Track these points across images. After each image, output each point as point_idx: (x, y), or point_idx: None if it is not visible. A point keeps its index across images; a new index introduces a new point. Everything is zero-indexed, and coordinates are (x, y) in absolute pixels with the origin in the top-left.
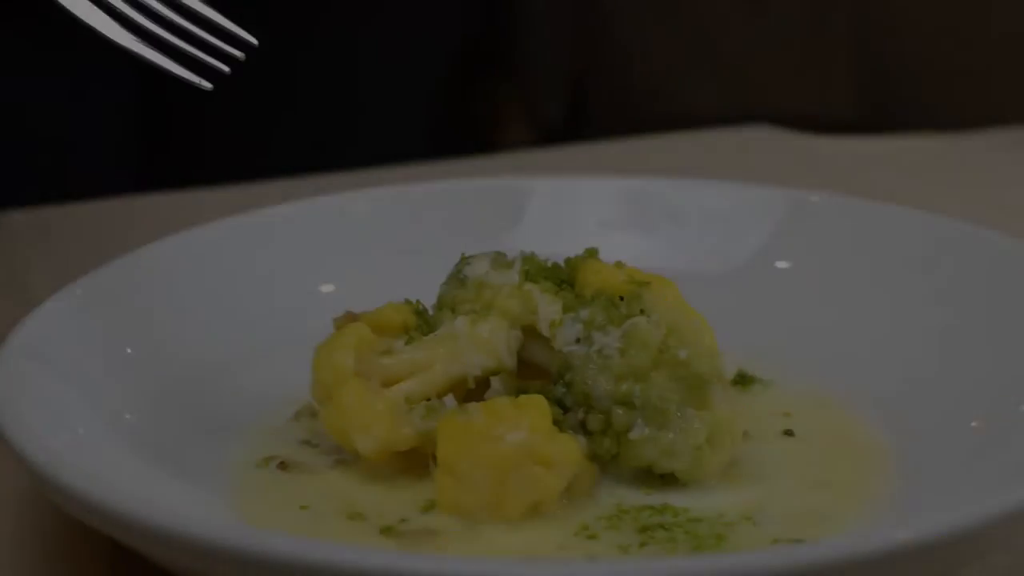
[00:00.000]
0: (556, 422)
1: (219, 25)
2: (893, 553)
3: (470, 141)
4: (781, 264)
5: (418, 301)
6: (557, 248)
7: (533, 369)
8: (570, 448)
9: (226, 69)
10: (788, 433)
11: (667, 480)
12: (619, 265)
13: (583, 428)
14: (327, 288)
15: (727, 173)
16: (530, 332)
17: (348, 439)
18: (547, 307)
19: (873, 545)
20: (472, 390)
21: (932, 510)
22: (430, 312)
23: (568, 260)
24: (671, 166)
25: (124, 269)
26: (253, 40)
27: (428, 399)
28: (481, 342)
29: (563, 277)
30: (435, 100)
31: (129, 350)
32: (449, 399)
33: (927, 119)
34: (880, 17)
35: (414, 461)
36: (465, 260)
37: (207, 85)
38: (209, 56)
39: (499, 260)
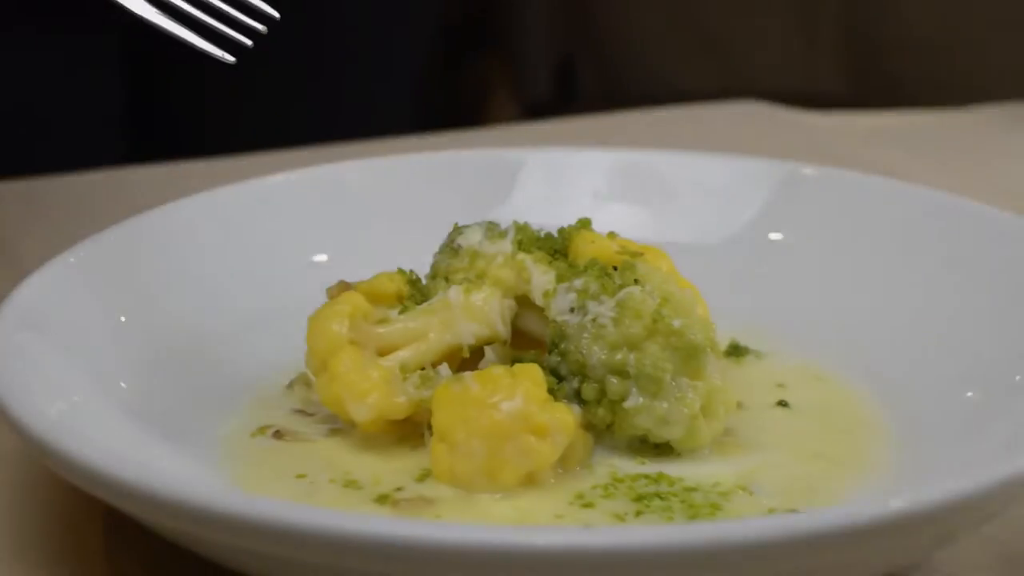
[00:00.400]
0: (551, 391)
1: None
2: (888, 522)
3: (458, 116)
4: (774, 236)
5: (411, 271)
6: (550, 219)
7: (527, 338)
8: (565, 417)
9: (248, 43)
10: (782, 404)
11: (662, 449)
12: (612, 236)
13: (578, 397)
14: (320, 258)
15: (718, 147)
16: (523, 301)
17: (343, 408)
18: (540, 277)
19: (868, 514)
20: (466, 359)
21: (927, 480)
22: (423, 282)
23: (561, 230)
24: (662, 140)
25: (117, 238)
26: (275, 13)
27: (423, 368)
28: (475, 311)
29: (556, 247)
30: (424, 75)
31: (123, 319)
32: (444, 368)
33: (917, 94)
34: None
35: (408, 430)
36: (458, 230)
37: (230, 59)
38: (230, 29)
39: (492, 230)
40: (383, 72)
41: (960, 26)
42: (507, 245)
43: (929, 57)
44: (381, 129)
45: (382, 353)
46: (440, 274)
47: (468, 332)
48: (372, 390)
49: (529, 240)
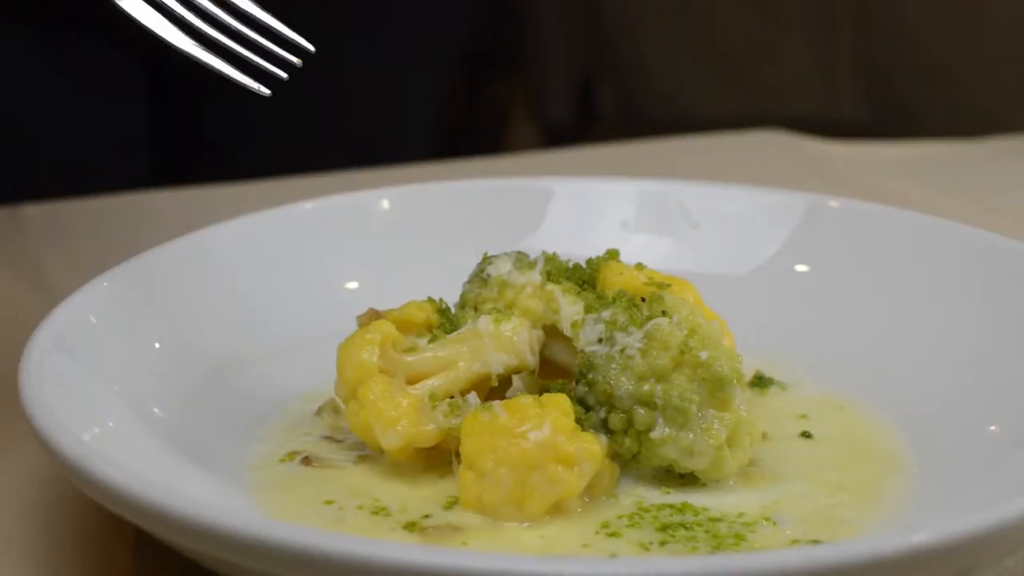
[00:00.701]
0: (578, 421)
1: (275, 30)
2: (910, 555)
3: (478, 139)
4: (800, 268)
5: (441, 299)
6: (578, 249)
7: (554, 368)
8: (592, 447)
9: (284, 75)
10: (806, 435)
11: (687, 479)
12: (640, 267)
13: (605, 427)
14: (351, 285)
15: (740, 176)
16: (551, 332)
17: (372, 435)
18: (568, 308)
19: (890, 547)
20: (495, 388)
21: (949, 513)
22: (452, 311)
23: (589, 261)
24: (685, 169)
25: (151, 264)
26: (309, 46)
27: (451, 396)
28: (504, 341)
29: (584, 278)
30: (443, 100)
31: (157, 344)
32: (472, 397)
33: (933, 121)
34: (885, 22)
35: (436, 458)
36: (487, 260)
37: (265, 91)
38: (265, 61)
39: (521, 260)
40: (404, 96)
41: (976, 54)
42: (536, 276)
43: (945, 85)
44: (402, 153)
45: (411, 381)
46: (469, 303)
47: (497, 361)
48: (401, 418)
49: (558, 271)
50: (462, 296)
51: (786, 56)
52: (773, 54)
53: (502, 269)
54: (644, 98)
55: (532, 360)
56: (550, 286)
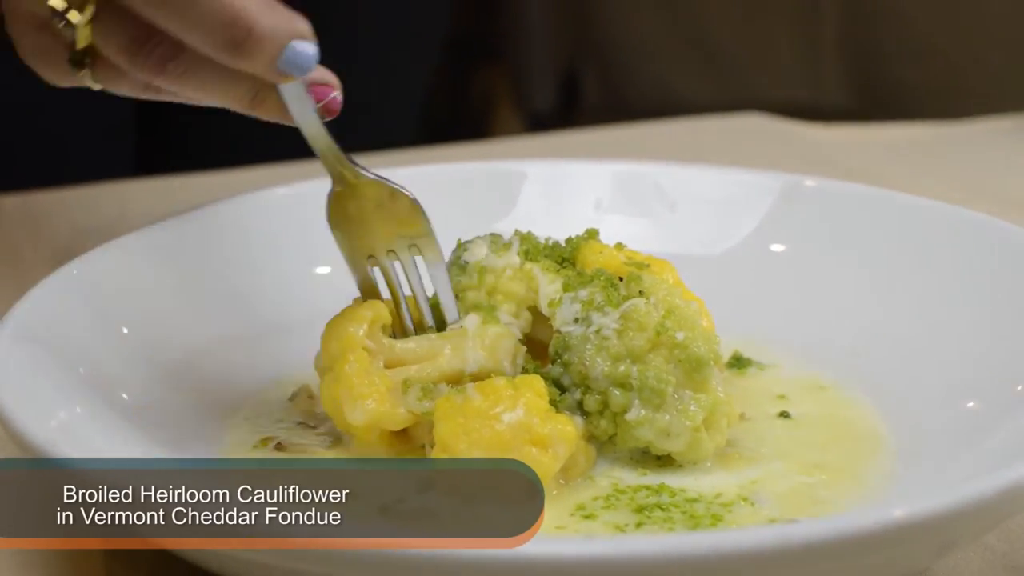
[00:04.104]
0: (553, 403)
1: None
2: (889, 531)
3: (463, 128)
4: (776, 247)
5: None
6: (553, 231)
7: (541, 347)
8: (567, 429)
9: None
10: (784, 415)
11: (664, 461)
12: (620, 247)
13: (580, 408)
14: (323, 270)
15: (721, 160)
16: (538, 313)
17: (339, 411)
18: (547, 286)
19: (869, 523)
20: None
21: (927, 491)
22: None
23: (569, 240)
24: (665, 152)
25: (120, 250)
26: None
27: (425, 383)
28: (486, 343)
29: (563, 255)
30: (429, 88)
31: (125, 330)
32: (443, 385)
33: (921, 104)
34: (871, 4)
35: (406, 444)
36: (462, 246)
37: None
38: None
39: (496, 242)
40: (388, 85)
41: (964, 37)
42: (514, 257)
43: (933, 67)
44: (386, 141)
45: (391, 366)
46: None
47: (474, 360)
48: (371, 396)
49: (535, 249)
50: None
51: (772, 42)
52: (759, 40)
53: (478, 254)
54: (629, 86)
55: (509, 369)
56: (529, 265)
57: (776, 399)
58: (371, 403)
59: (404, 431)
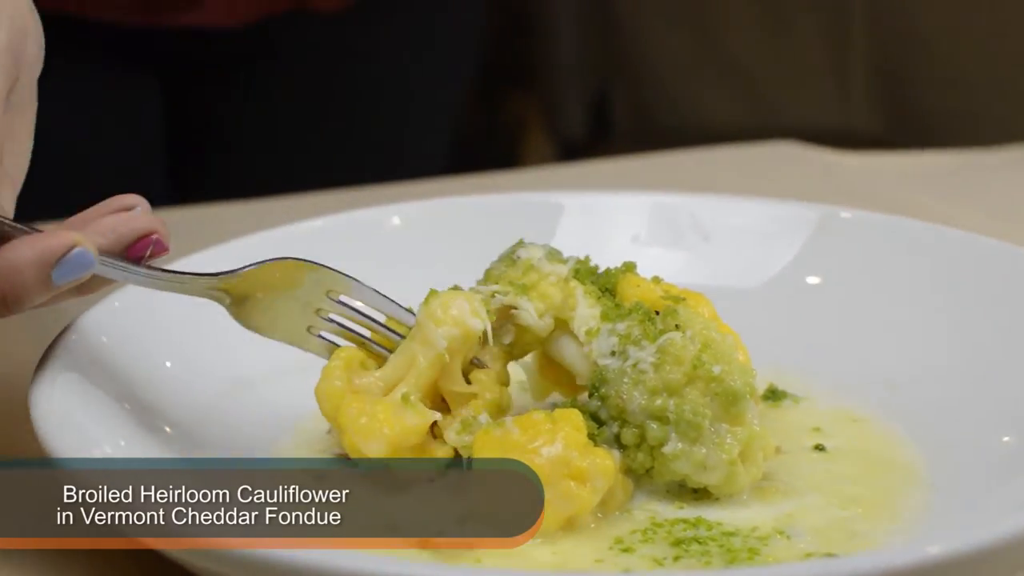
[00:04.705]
0: (591, 436)
1: None
2: (925, 568)
3: (495, 154)
4: (812, 280)
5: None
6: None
7: (557, 367)
8: (605, 462)
9: None
10: (819, 448)
11: (700, 494)
12: (656, 280)
13: (617, 442)
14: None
15: (753, 188)
16: (562, 325)
17: (362, 452)
18: (586, 309)
19: (905, 560)
20: (467, 370)
21: (964, 525)
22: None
23: (607, 271)
24: (698, 182)
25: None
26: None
27: (421, 392)
28: (441, 317)
29: (607, 286)
30: (460, 114)
31: (168, 364)
32: (483, 416)
33: (948, 131)
34: (899, 31)
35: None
36: (521, 243)
37: None
38: None
39: (554, 254)
40: (420, 112)
41: (991, 64)
42: (564, 269)
43: (961, 94)
44: (418, 169)
45: (387, 391)
46: (491, 279)
47: (439, 337)
48: (382, 425)
49: (585, 272)
50: (487, 273)
51: (801, 67)
52: (788, 65)
53: (534, 254)
54: (659, 111)
55: (477, 323)
56: (574, 283)
57: (811, 432)
58: (385, 430)
59: (423, 445)
